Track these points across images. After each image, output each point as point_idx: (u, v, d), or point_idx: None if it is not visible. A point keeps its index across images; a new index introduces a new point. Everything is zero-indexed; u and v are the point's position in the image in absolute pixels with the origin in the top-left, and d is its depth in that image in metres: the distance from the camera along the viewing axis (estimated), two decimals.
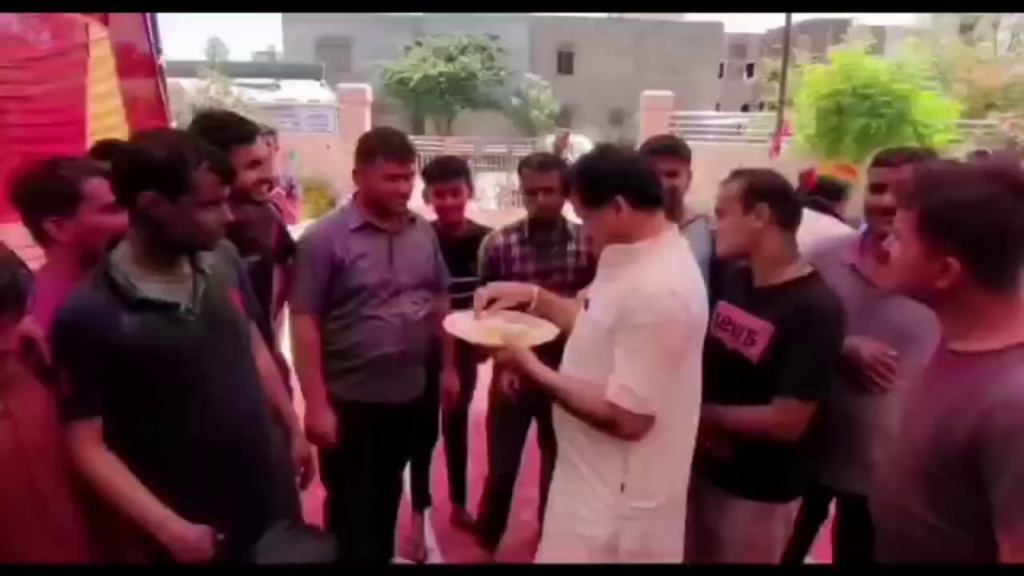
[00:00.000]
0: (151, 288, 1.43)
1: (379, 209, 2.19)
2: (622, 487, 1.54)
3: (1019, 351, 1.14)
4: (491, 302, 1.77)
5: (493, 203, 12.54)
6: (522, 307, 1.86)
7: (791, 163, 7.73)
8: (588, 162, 1.65)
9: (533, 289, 1.87)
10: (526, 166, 2.44)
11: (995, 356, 1.15)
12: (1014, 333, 1.15)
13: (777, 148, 10.77)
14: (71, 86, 3.43)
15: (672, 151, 2.46)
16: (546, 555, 1.71)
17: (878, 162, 1.98)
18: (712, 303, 2.30)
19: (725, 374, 1.76)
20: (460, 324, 1.81)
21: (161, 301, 1.44)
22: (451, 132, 24.19)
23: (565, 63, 30.70)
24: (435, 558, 2.89)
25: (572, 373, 1.65)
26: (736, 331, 1.81)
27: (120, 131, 3.55)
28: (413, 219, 2.32)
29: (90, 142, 3.29)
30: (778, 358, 1.70)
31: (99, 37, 3.45)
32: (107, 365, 1.38)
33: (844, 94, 10.98)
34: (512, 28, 27.46)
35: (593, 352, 1.58)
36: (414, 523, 2.96)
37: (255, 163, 1.99)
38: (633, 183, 1.56)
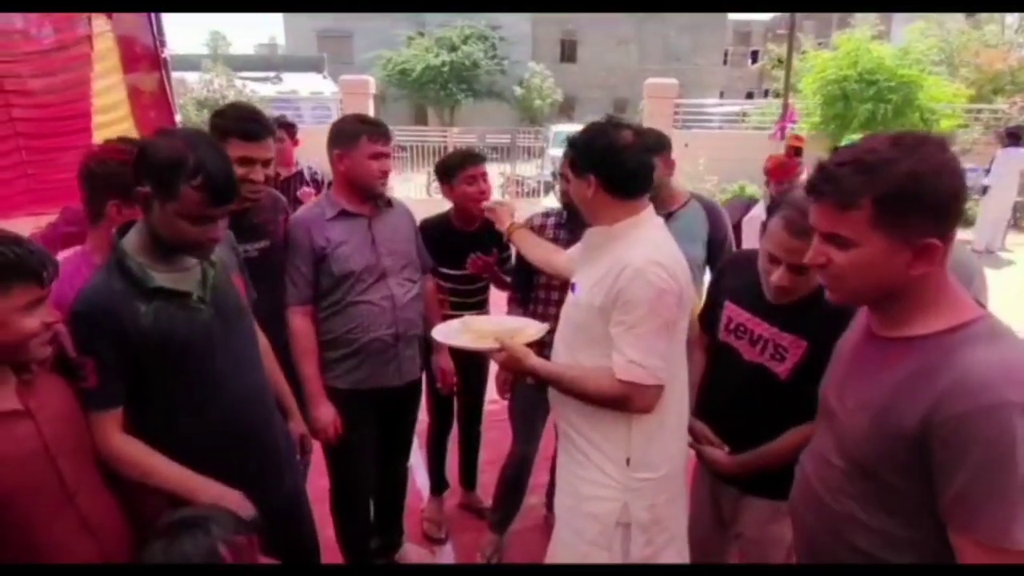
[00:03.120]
0: (162, 276, 1.45)
1: (357, 193, 2.19)
2: (628, 461, 1.58)
3: (963, 331, 1.05)
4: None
5: (497, 193, 12.51)
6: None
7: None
8: (587, 133, 1.66)
9: (506, 225, 2.18)
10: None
11: (939, 338, 1.06)
12: (952, 314, 1.07)
13: (781, 134, 10.69)
14: (75, 79, 3.44)
15: None
16: (560, 539, 1.73)
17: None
18: (713, 287, 2.27)
19: (749, 388, 1.71)
20: (451, 333, 1.82)
21: (174, 289, 1.45)
22: (454, 122, 24.10)
23: (568, 51, 30.51)
24: (445, 544, 2.91)
25: (564, 355, 1.68)
26: (757, 343, 1.71)
27: (125, 124, 3.56)
28: (390, 202, 2.33)
29: (95, 136, 3.31)
30: (810, 373, 1.54)
31: (103, 30, 3.45)
32: (128, 353, 1.40)
33: (850, 80, 10.92)
34: (514, 17, 27.28)
35: (585, 333, 1.61)
36: (432, 505, 3.01)
37: (243, 159, 1.98)
38: (609, 172, 1.58)
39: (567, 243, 2.43)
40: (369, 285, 2.19)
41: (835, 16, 23.26)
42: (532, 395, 2.46)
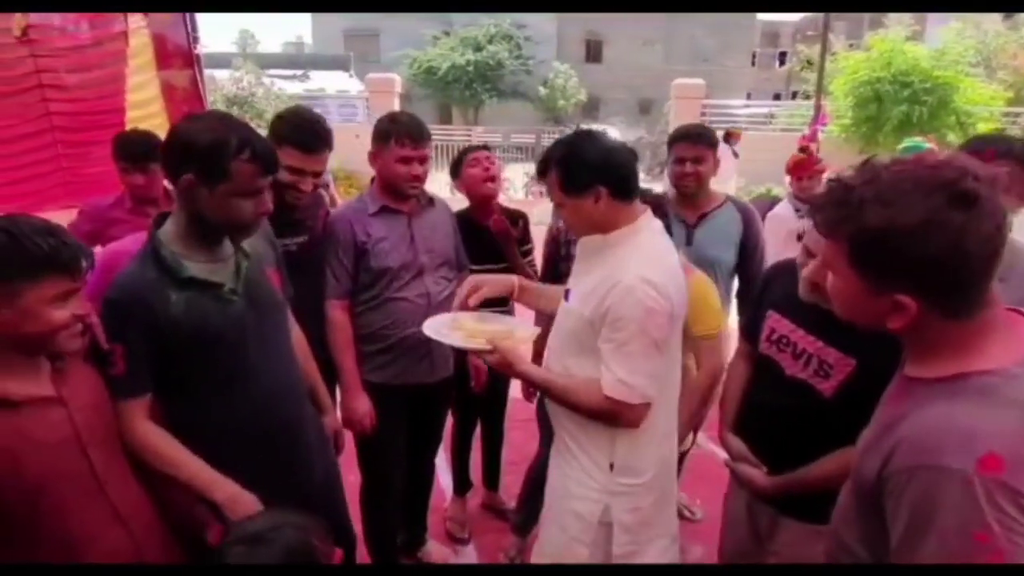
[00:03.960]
0: (196, 267, 1.45)
1: (396, 192, 2.20)
2: (611, 466, 1.59)
3: (953, 383, 0.95)
4: (472, 293, 1.77)
5: (521, 193, 12.50)
6: (503, 299, 1.87)
7: (829, 153, 7.54)
8: (572, 148, 1.58)
9: (513, 280, 1.88)
10: None
11: (928, 386, 0.98)
12: (958, 362, 0.96)
13: (813, 137, 10.52)
14: (110, 75, 3.50)
15: (699, 138, 2.54)
16: (546, 533, 1.75)
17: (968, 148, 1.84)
18: (744, 289, 2.21)
19: (790, 406, 1.62)
20: (442, 329, 1.79)
21: (207, 280, 1.45)
22: (478, 122, 24.15)
23: (593, 51, 30.38)
24: (468, 544, 2.89)
25: (555, 363, 1.67)
26: (800, 357, 1.61)
27: (158, 120, 3.61)
28: (431, 200, 2.33)
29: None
30: (857, 394, 1.44)
31: (138, 26, 3.50)
32: (157, 342, 1.40)
33: (883, 81, 10.72)
34: (539, 17, 27.24)
35: (574, 341, 1.60)
36: (455, 505, 3.01)
37: (294, 169, 2.01)
38: (615, 175, 1.53)
39: None
40: (406, 282, 2.20)
41: (867, 17, 22.84)
42: None
